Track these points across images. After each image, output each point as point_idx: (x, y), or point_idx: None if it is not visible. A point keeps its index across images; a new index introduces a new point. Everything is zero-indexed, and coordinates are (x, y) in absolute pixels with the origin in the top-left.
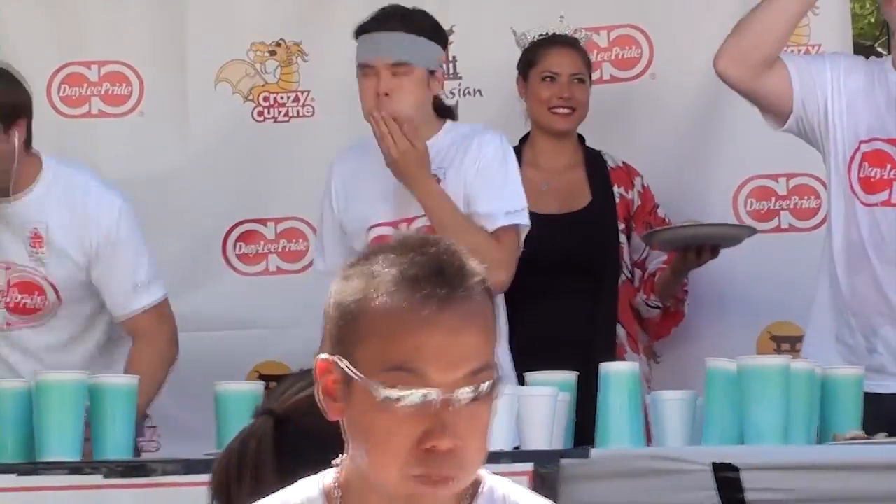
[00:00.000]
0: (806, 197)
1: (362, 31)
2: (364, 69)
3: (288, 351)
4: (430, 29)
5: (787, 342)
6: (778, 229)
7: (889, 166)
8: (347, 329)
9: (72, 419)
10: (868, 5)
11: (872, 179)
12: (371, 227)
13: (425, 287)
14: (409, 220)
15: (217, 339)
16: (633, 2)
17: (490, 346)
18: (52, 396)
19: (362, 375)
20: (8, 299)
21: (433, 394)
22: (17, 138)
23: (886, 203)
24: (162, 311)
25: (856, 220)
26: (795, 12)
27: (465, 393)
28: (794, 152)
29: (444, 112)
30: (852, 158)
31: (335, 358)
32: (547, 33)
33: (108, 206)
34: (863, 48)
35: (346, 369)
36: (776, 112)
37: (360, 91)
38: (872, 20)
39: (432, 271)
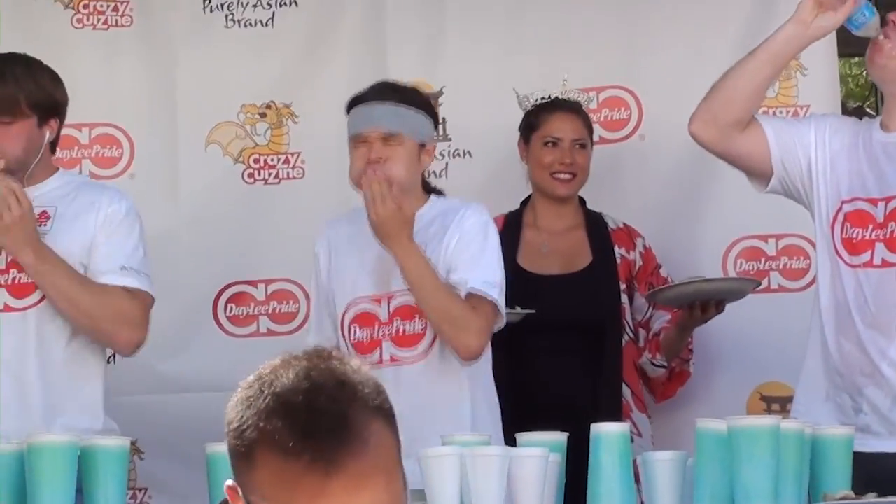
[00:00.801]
0: (795, 257)
1: (354, 103)
2: (356, 140)
3: None
4: (422, 104)
5: (778, 402)
6: (767, 290)
7: (871, 226)
8: (242, 467)
9: (64, 483)
10: (856, 67)
11: (854, 241)
12: (352, 303)
13: (311, 453)
14: (391, 296)
15: (207, 400)
16: (622, 63)
17: (392, 485)
18: (44, 460)
19: None
20: (8, 278)
21: None
22: (48, 135)
23: (868, 264)
24: (141, 297)
25: (840, 280)
26: (765, 76)
27: None
28: (783, 213)
29: (431, 190)
30: (835, 218)
31: (238, 491)
32: (549, 96)
33: (117, 199)
34: (852, 109)
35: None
36: (758, 174)
37: (350, 161)
38: (861, 81)
39: (319, 432)
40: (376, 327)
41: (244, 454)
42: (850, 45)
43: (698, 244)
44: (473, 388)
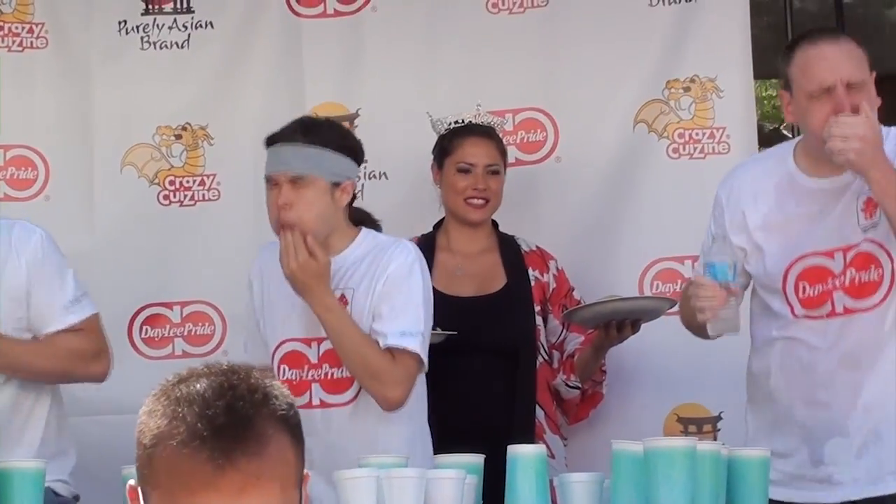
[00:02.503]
0: None
1: (268, 143)
2: (268, 182)
3: None
4: (337, 140)
5: (694, 424)
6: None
7: (830, 279)
8: (144, 469)
9: None
10: (772, 89)
11: (813, 297)
12: (282, 342)
13: (209, 445)
14: (320, 340)
15: (122, 422)
16: (539, 85)
17: (286, 492)
18: None
19: None
20: None
21: None
22: None
23: (832, 314)
24: (89, 326)
25: (798, 335)
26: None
27: None
28: (699, 234)
29: (364, 220)
30: (784, 282)
31: (139, 492)
32: (463, 121)
33: (27, 237)
34: (768, 131)
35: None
36: None
37: (266, 205)
38: (777, 103)
39: (220, 426)
40: (305, 369)
41: (147, 451)
42: (767, 66)
43: (614, 266)
44: (406, 428)
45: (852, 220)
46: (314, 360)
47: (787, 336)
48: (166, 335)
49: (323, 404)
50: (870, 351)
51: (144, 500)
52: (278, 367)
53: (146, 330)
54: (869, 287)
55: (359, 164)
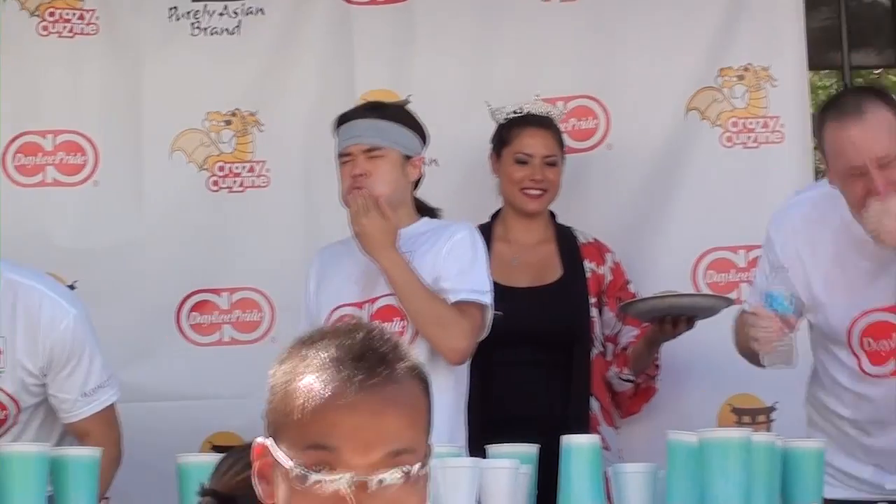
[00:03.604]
0: None
1: (340, 122)
2: (342, 157)
3: (242, 422)
4: (405, 117)
5: (748, 414)
6: (738, 301)
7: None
8: (277, 410)
9: (34, 493)
10: (826, 79)
11: (882, 353)
12: (336, 308)
13: (347, 369)
14: (373, 300)
15: (170, 409)
16: (590, 72)
17: (416, 432)
18: (14, 469)
19: (283, 454)
20: None
21: (346, 477)
22: None
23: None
24: (109, 415)
25: (866, 392)
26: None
27: (382, 476)
28: (753, 224)
29: (428, 213)
30: (849, 335)
31: (268, 440)
32: (522, 110)
33: (59, 317)
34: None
35: (272, 449)
36: None
37: (340, 179)
38: (832, 92)
39: (356, 354)
40: None
41: (282, 390)
42: (822, 57)
43: (666, 254)
44: (445, 405)
45: None
46: (366, 321)
47: (860, 392)
48: (214, 322)
49: None
50: None
51: (276, 442)
52: None
53: (194, 316)
54: None
55: (424, 144)
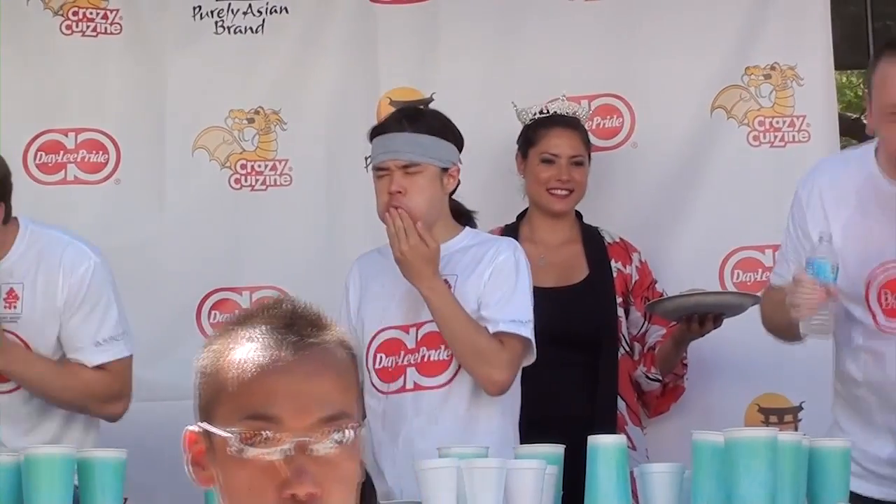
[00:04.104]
0: None
1: (375, 133)
2: (378, 171)
3: None
4: (441, 128)
5: (776, 414)
6: None
7: None
8: (207, 390)
9: (61, 494)
10: (854, 78)
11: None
12: (381, 330)
13: (276, 335)
14: (419, 325)
15: (187, 408)
16: (615, 71)
17: (348, 397)
18: (41, 471)
19: (219, 430)
20: None
21: (286, 440)
22: None
23: None
24: (116, 369)
25: (885, 350)
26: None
27: (321, 439)
28: (780, 223)
29: (465, 219)
30: (867, 290)
31: (198, 425)
32: (548, 111)
33: (79, 261)
34: (850, 121)
35: (206, 429)
36: None
37: (375, 192)
38: (861, 92)
39: (286, 322)
40: (401, 354)
41: (215, 365)
42: (848, 56)
43: (693, 253)
44: (496, 421)
45: None
46: (411, 346)
47: (873, 349)
48: None
49: (417, 387)
50: None
51: (211, 425)
52: (374, 356)
53: (215, 315)
54: None
55: (460, 150)
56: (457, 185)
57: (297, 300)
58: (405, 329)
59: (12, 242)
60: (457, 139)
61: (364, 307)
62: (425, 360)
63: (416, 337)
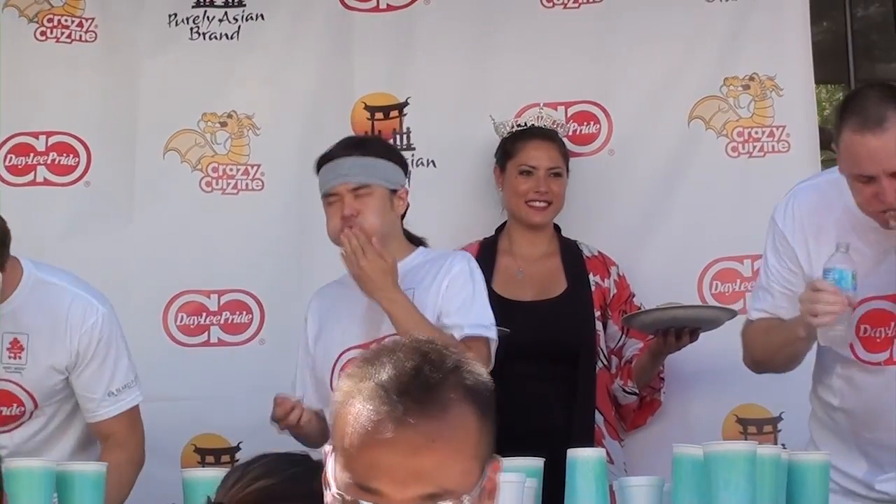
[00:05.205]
0: None
1: (322, 162)
2: (328, 198)
3: (226, 424)
4: (386, 152)
5: (754, 425)
6: (743, 311)
7: (893, 323)
8: (334, 426)
9: None
10: (834, 92)
11: (878, 340)
12: (345, 351)
13: (389, 404)
14: (379, 341)
15: (155, 409)
16: (592, 78)
17: (459, 468)
18: (21, 484)
19: (332, 477)
20: None
21: None
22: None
23: (889, 362)
24: (133, 416)
25: (859, 380)
26: (800, 350)
27: None
28: (759, 234)
29: (416, 241)
30: None
31: (330, 451)
32: (525, 124)
33: (86, 315)
34: (828, 134)
35: (328, 462)
36: None
37: (326, 218)
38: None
39: (402, 385)
40: None
41: (336, 408)
42: (828, 71)
43: (670, 262)
44: None
45: None
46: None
47: (851, 378)
48: (202, 323)
49: None
50: None
51: (335, 455)
52: (339, 377)
53: (181, 317)
54: None
55: (406, 175)
56: (406, 209)
57: (430, 350)
58: (366, 346)
59: (15, 286)
60: (402, 163)
61: (323, 335)
62: None
63: None
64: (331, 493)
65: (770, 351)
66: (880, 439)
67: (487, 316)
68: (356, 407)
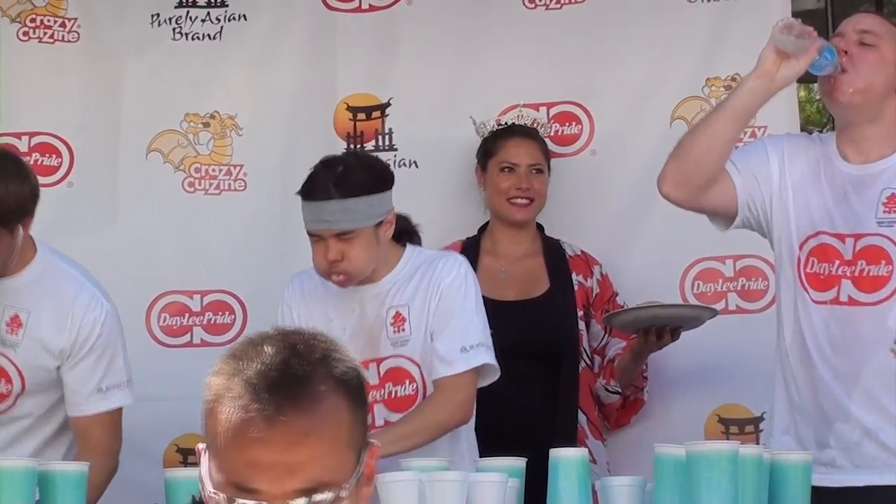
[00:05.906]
0: (753, 278)
1: (304, 196)
2: (312, 236)
3: None
4: (370, 184)
5: (736, 424)
6: (725, 311)
7: (837, 262)
8: (207, 426)
9: None
10: (815, 93)
11: (821, 276)
12: None
13: (260, 401)
14: (379, 361)
15: (137, 410)
16: (574, 78)
17: (334, 459)
18: (2, 483)
19: (208, 477)
20: None
21: None
22: (20, 234)
23: (835, 301)
24: (115, 420)
25: (807, 316)
26: (733, 134)
27: None
28: (741, 233)
29: (408, 236)
30: (800, 252)
31: (203, 450)
32: (506, 123)
33: (93, 306)
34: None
35: (202, 461)
36: (723, 217)
37: (312, 251)
38: (821, 106)
39: (272, 381)
40: (369, 392)
41: (208, 407)
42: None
43: (653, 264)
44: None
45: (871, 210)
46: (375, 382)
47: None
48: (185, 323)
49: (387, 423)
50: (870, 346)
51: (209, 454)
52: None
53: (164, 318)
54: (877, 282)
55: (390, 188)
56: (394, 227)
57: (298, 341)
58: (364, 365)
59: (25, 264)
60: (387, 183)
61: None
62: (392, 395)
63: (378, 372)
64: (207, 493)
65: (692, 141)
66: (825, 396)
67: (479, 333)
68: (227, 405)
